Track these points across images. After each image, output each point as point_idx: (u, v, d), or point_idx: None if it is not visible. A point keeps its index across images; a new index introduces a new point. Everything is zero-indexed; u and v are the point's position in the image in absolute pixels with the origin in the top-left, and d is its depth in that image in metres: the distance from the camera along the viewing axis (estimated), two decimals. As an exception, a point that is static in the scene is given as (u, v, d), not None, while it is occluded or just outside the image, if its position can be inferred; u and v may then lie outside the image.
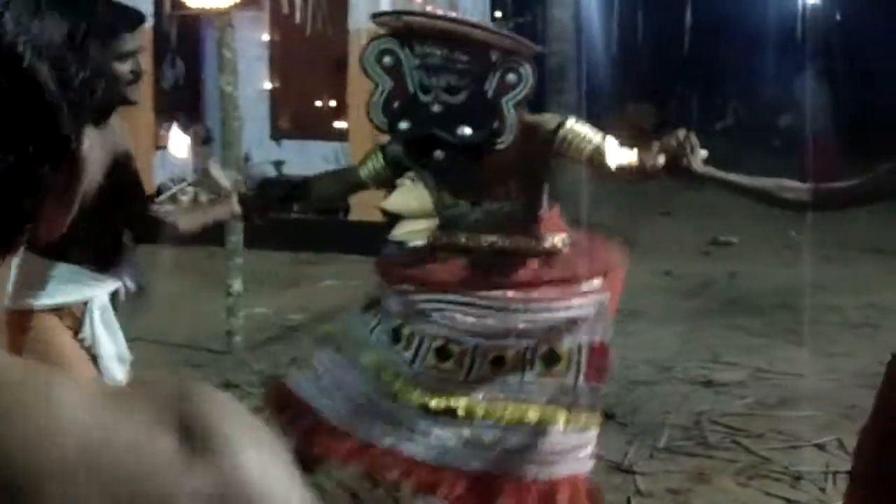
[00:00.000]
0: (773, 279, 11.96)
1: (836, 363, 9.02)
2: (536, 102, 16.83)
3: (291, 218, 12.84)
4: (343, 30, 13.65)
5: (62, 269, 4.66)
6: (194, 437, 1.06)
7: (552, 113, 5.22)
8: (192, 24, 15.11)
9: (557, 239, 5.18)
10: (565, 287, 5.00)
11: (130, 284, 4.94)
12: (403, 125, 4.89)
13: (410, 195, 13.02)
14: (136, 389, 1.11)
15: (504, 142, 4.83)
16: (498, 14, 20.23)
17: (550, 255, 5.12)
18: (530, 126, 4.94)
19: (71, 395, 1.05)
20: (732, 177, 4.95)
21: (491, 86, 4.81)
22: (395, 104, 4.93)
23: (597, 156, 5.06)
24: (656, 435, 7.28)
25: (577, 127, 5.02)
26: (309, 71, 15.72)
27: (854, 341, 9.37)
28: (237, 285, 9.14)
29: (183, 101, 16.29)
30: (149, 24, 13.89)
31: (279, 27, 15.40)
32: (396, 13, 5.28)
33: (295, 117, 16.06)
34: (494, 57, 4.82)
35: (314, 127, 15.67)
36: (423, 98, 4.86)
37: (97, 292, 4.78)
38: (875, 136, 25.56)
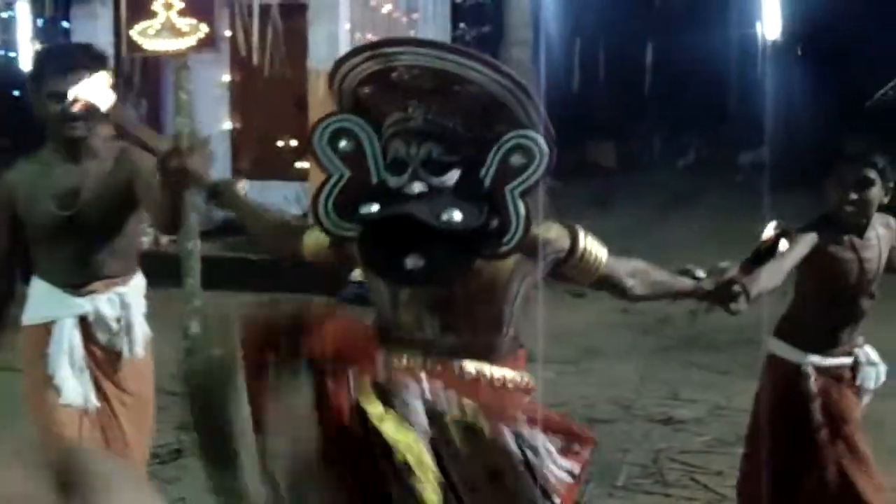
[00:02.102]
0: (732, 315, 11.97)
1: (795, 399, 9.04)
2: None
3: (251, 259, 12.83)
4: (303, 69, 13.67)
5: (41, 285, 5.06)
6: (74, 487, 1.12)
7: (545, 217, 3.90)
8: (155, 65, 15.09)
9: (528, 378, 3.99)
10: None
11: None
12: (364, 209, 3.68)
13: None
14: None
15: (513, 242, 3.68)
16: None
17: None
18: (531, 238, 3.76)
19: None
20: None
21: (491, 165, 3.69)
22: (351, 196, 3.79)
23: (611, 278, 4.08)
24: (615, 473, 7.28)
25: (590, 243, 4.01)
26: (269, 111, 15.71)
27: (812, 377, 9.39)
28: (195, 327, 9.10)
29: (143, 143, 16.25)
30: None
31: (239, 68, 15.40)
32: (379, 52, 3.72)
33: (256, 158, 16.02)
34: (498, 124, 3.69)
35: (275, 167, 15.64)
36: (395, 181, 3.70)
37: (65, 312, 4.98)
38: (832, 171, 25.77)
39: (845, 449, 5.25)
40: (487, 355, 3.84)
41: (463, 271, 3.69)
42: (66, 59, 4.97)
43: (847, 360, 5.34)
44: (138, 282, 5.38)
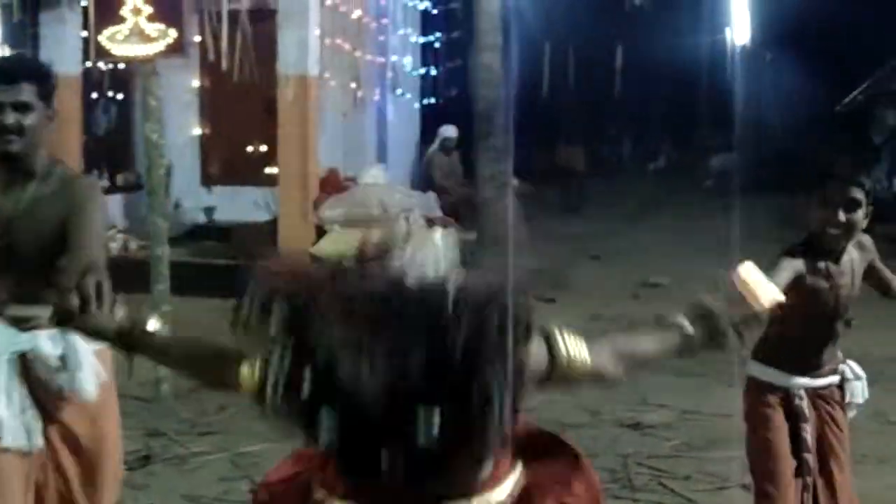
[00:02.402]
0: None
1: (763, 403, 9.08)
2: (465, 148, 16.88)
3: (220, 264, 12.82)
4: (272, 74, 13.66)
5: None
6: None
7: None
8: (124, 71, 15.07)
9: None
10: None
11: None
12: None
13: (341, 241, 13.03)
14: None
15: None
16: (429, 58, 20.33)
17: None
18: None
19: None
20: None
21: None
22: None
23: (598, 373, 3.32)
24: (583, 478, 7.28)
25: (570, 344, 3.28)
26: (238, 117, 15.69)
27: (780, 381, 9.42)
28: (164, 333, 9.07)
29: (114, 148, 16.23)
30: (77, 70, 13.89)
31: (208, 73, 15.39)
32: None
33: (225, 163, 16.02)
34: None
35: (244, 173, 15.63)
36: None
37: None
38: (803, 176, 25.85)
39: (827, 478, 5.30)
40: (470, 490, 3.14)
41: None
42: (3, 69, 4.62)
43: (835, 379, 5.35)
44: None
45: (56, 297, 3.57)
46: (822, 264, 5.17)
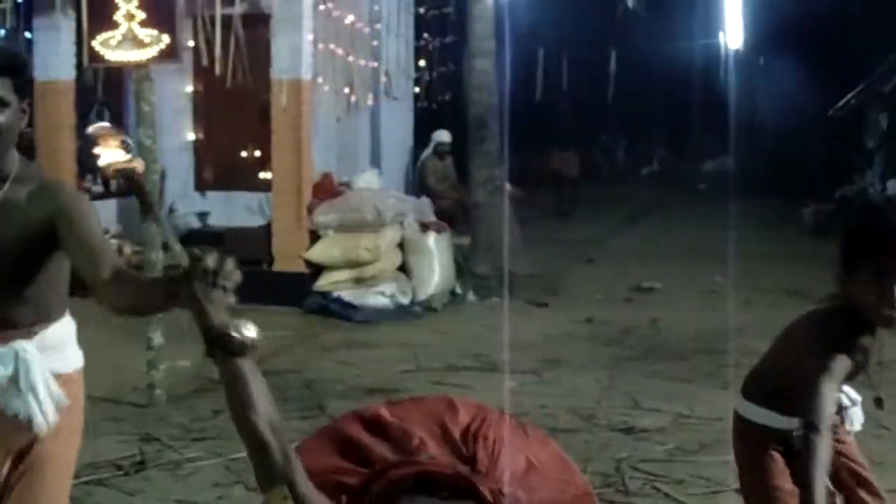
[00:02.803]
0: (695, 324, 12.05)
1: (757, 407, 9.11)
2: (458, 153, 16.90)
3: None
4: (266, 79, 13.66)
5: None
6: None
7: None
8: (118, 76, 15.06)
9: None
10: None
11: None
12: None
13: (335, 245, 13.04)
14: None
15: None
16: (422, 63, 20.35)
17: None
18: None
19: None
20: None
21: None
22: None
23: None
24: (577, 483, 7.29)
25: None
26: (232, 122, 15.68)
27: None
28: (158, 338, 9.08)
29: (108, 153, 16.24)
30: (71, 76, 13.88)
31: (201, 78, 15.38)
32: None
33: (219, 168, 16.00)
34: None
35: (238, 178, 15.61)
36: None
37: None
38: (796, 180, 25.90)
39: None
40: None
41: None
42: None
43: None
44: (55, 333, 4.28)
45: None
46: (864, 340, 4.36)
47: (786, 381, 4.42)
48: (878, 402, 4.55)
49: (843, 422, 4.65)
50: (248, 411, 3.02)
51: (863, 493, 4.63)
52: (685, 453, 7.97)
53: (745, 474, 4.77)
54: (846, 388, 4.63)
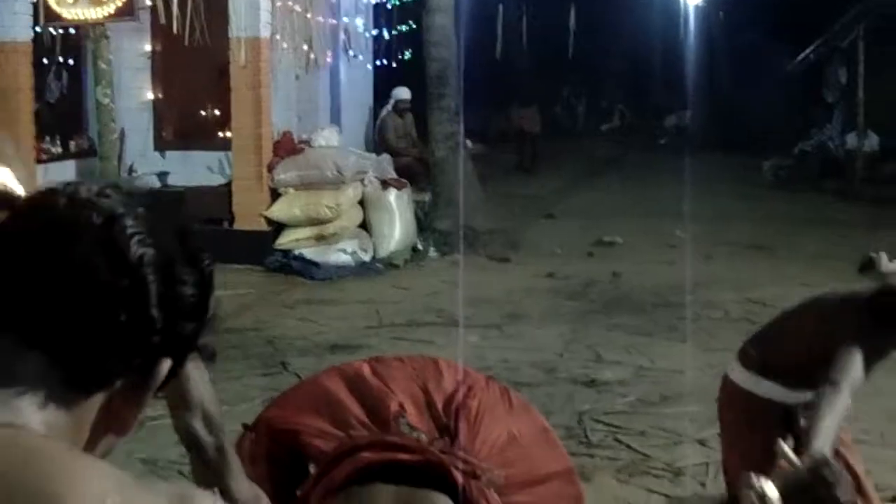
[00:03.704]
0: (656, 277, 12.10)
1: (717, 358, 9.14)
2: (418, 110, 16.84)
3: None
4: (224, 38, 13.58)
5: None
6: None
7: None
8: (75, 36, 14.94)
9: None
10: None
11: None
12: None
13: (294, 203, 13.02)
14: None
15: None
16: (381, 19, 20.27)
17: None
18: None
19: None
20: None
21: None
22: None
23: None
24: (539, 435, 7.33)
25: None
26: (191, 81, 15.58)
27: (734, 336, 9.44)
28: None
29: (66, 114, 16.11)
30: (28, 36, 13.74)
31: (160, 38, 15.28)
32: None
33: (178, 128, 15.91)
34: None
35: (197, 137, 15.53)
36: None
37: None
38: (756, 134, 26.02)
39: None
40: None
41: None
42: None
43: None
44: None
45: None
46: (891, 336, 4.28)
47: (815, 364, 4.22)
48: None
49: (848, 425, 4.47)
50: (184, 410, 3.06)
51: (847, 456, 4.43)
52: (646, 405, 8.03)
53: (731, 442, 4.73)
54: None
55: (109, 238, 1.32)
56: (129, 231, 1.33)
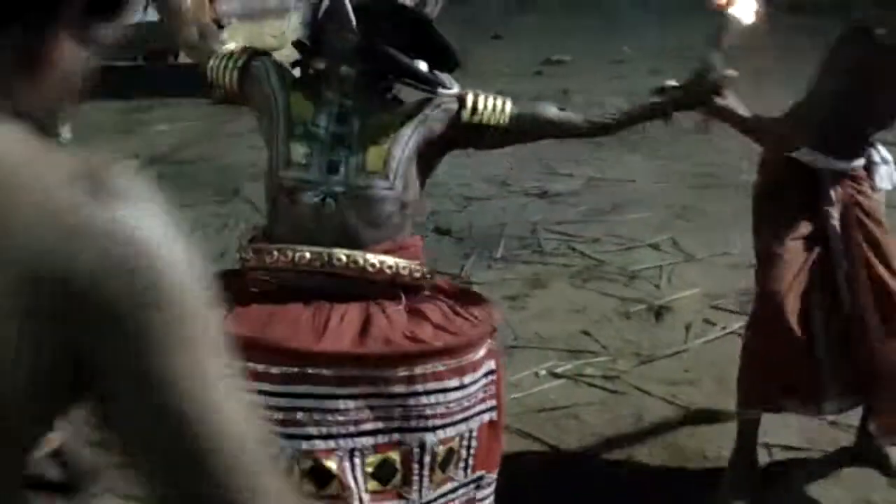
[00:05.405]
0: (605, 93, 12.09)
1: (667, 167, 9.24)
2: None
3: (119, 65, 12.63)
4: None
5: None
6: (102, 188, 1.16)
7: None
8: None
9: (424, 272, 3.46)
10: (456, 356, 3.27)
11: None
12: None
13: (238, 33, 12.88)
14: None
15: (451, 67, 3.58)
16: None
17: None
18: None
19: None
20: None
21: None
22: None
23: (537, 118, 3.55)
24: (493, 246, 7.41)
25: (481, 98, 3.56)
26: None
27: (683, 146, 9.52)
28: (66, 132, 8.98)
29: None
30: None
31: None
32: None
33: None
34: None
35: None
36: None
37: None
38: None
39: (875, 258, 4.38)
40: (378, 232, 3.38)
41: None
42: None
43: (860, 161, 4.42)
44: None
45: None
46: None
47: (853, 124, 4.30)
48: None
49: (870, 176, 4.45)
50: None
51: (881, 270, 4.36)
52: (599, 214, 8.11)
53: (758, 209, 4.56)
54: (879, 146, 4.49)
55: None
56: None
